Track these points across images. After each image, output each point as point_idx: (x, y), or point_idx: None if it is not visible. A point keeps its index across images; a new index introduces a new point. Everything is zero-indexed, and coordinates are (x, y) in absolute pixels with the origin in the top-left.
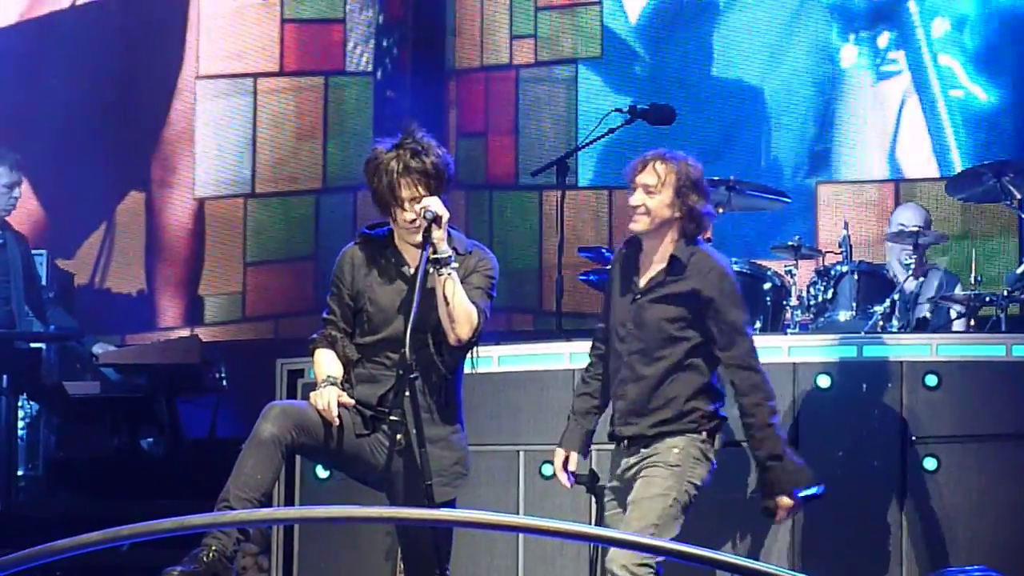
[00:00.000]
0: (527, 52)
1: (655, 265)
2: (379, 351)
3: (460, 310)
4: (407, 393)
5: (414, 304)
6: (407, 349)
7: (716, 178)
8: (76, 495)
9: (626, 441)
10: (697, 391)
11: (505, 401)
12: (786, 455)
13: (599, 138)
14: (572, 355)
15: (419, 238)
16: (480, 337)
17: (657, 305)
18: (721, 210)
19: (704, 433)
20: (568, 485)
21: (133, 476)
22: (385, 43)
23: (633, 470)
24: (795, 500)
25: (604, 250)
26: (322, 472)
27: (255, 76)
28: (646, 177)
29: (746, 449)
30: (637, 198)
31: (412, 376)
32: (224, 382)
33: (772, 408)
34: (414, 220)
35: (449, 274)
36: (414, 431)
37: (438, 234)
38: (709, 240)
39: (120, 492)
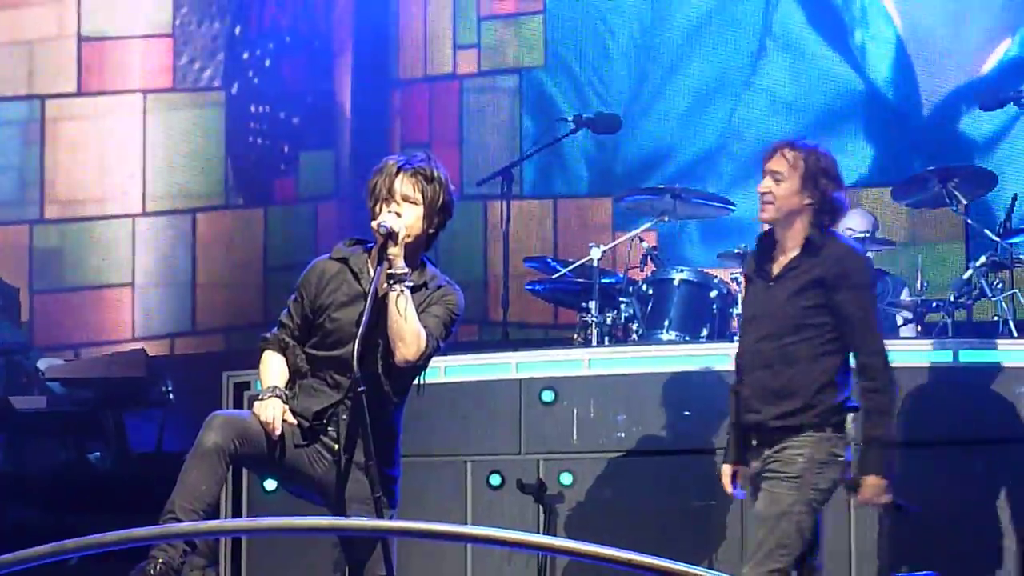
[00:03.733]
0: (470, 62)
1: (789, 252)
2: (327, 368)
3: (409, 329)
4: (353, 407)
5: (364, 316)
6: (355, 360)
7: (661, 186)
8: (24, 509)
9: (753, 436)
10: (826, 382)
11: (452, 411)
12: (888, 448)
13: (544, 147)
14: (519, 365)
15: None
16: (426, 364)
17: (789, 290)
18: (666, 218)
19: (830, 429)
20: (741, 497)
21: (80, 490)
22: (247, 55)
23: (759, 471)
24: (885, 484)
25: (549, 259)
26: (270, 484)
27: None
28: (774, 164)
29: (699, 459)
30: (764, 185)
31: (360, 389)
32: (171, 395)
33: (894, 397)
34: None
35: (401, 291)
36: (360, 444)
37: (394, 250)
38: None
39: (68, 506)
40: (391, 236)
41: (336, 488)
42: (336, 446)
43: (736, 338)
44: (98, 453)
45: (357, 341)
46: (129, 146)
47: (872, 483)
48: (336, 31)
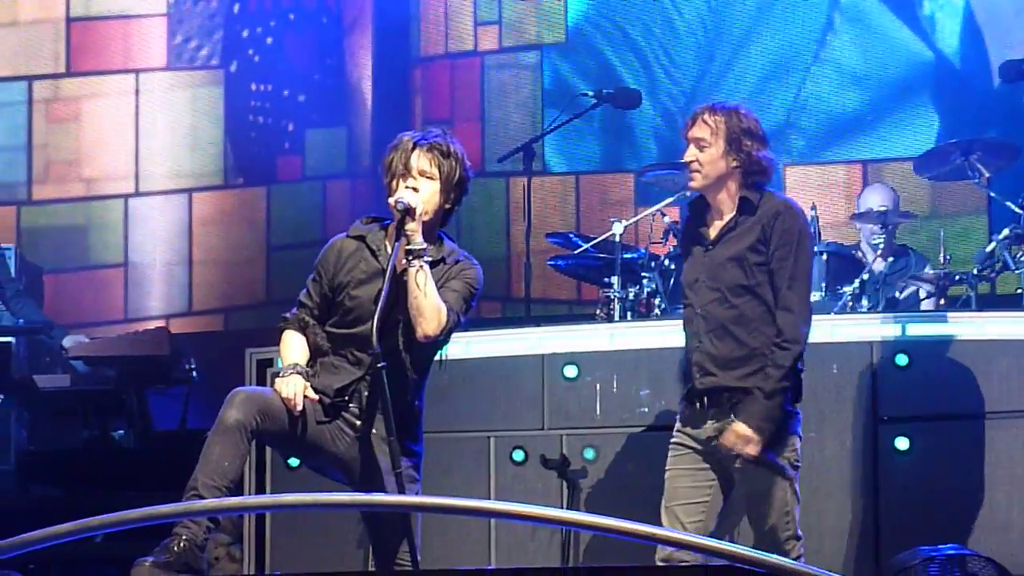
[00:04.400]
0: (491, 38)
1: (725, 215)
2: (347, 345)
3: (429, 304)
4: (373, 382)
5: (383, 292)
6: (374, 336)
7: (680, 161)
8: (48, 488)
9: (705, 399)
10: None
11: (475, 387)
12: (773, 400)
13: (565, 123)
14: (542, 340)
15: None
16: (448, 338)
17: (730, 251)
18: (688, 193)
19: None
20: None
21: (104, 468)
22: (246, 33)
23: (712, 436)
24: (752, 435)
25: (572, 235)
26: (293, 461)
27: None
28: (696, 131)
29: None
30: (690, 153)
31: (380, 364)
32: (194, 373)
33: (793, 354)
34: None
35: (421, 266)
36: (381, 420)
37: (412, 226)
38: None
39: (92, 483)
40: (409, 212)
41: (360, 465)
42: (359, 422)
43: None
44: (122, 431)
45: (376, 317)
46: (122, 127)
47: (739, 430)
48: (347, 8)
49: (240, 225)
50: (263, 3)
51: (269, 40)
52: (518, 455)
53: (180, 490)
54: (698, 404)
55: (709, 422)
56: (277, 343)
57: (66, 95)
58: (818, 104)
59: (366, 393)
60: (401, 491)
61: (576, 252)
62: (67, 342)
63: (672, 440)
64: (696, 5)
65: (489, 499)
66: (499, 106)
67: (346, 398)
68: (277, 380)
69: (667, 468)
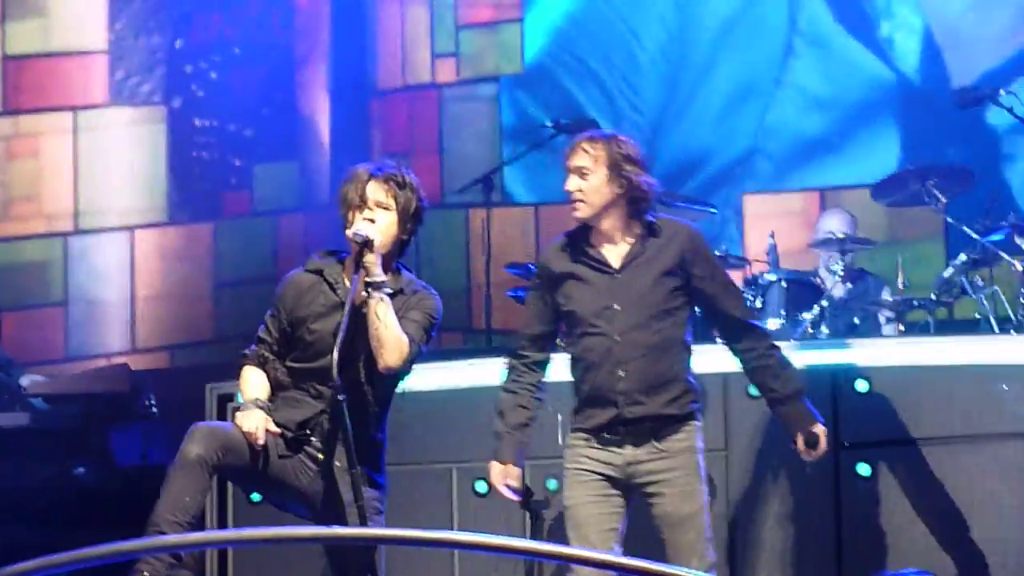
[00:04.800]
0: (449, 71)
1: (623, 241)
2: (308, 379)
3: (391, 335)
4: (334, 415)
5: (343, 325)
6: (334, 369)
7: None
8: (9, 526)
9: (620, 429)
10: (688, 367)
11: (437, 419)
12: (805, 395)
13: (524, 154)
14: (501, 371)
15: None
16: (409, 369)
17: (645, 275)
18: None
19: (699, 417)
20: (516, 498)
21: (66, 505)
22: (190, 68)
23: (643, 466)
24: (824, 429)
25: (531, 266)
26: (255, 495)
27: None
28: (577, 160)
29: None
30: (572, 183)
31: (341, 397)
32: (154, 409)
33: (787, 361)
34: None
35: (381, 298)
36: (342, 452)
37: (370, 258)
38: None
39: (54, 521)
40: (367, 244)
41: (323, 498)
42: (320, 456)
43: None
44: (83, 468)
45: (336, 350)
46: (60, 165)
47: (823, 430)
48: (299, 42)
49: (185, 261)
50: (207, 38)
51: (213, 75)
52: (481, 486)
53: (143, 525)
54: (609, 434)
55: (628, 447)
56: (237, 378)
57: (2, 134)
58: (782, 129)
59: (327, 426)
60: (364, 523)
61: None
62: (24, 381)
63: (571, 467)
64: (656, 35)
65: (452, 530)
66: (457, 138)
67: (308, 432)
68: (237, 415)
69: (570, 495)
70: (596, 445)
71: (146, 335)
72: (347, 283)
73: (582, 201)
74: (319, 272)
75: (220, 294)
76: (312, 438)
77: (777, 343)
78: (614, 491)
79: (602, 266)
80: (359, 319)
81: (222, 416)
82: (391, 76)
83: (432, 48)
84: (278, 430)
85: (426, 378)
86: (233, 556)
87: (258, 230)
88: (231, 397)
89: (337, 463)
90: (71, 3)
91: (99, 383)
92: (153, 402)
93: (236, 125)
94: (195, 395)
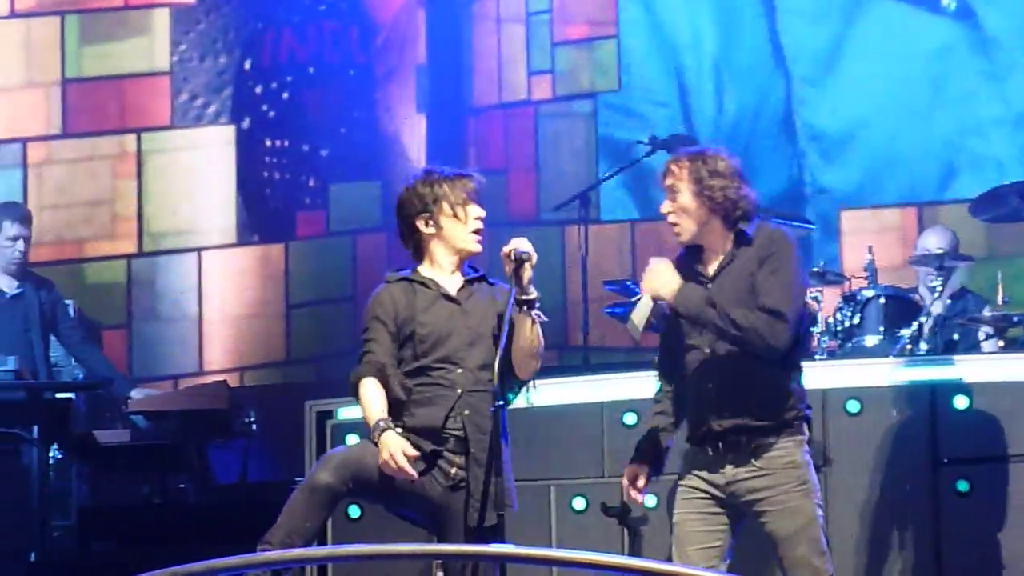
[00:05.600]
0: (545, 88)
1: (719, 253)
2: (436, 370)
3: (536, 349)
4: (490, 423)
5: (503, 339)
6: (495, 377)
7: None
8: (109, 543)
9: (721, 444)
10: (789, 376)
11: (535, 436)
12: (707, 306)
13: (620, 170)
14: (601, 388)
15: (477, 247)
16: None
17: (732, 284)
18: None
19: (805, 428)
20: (640, 500)
21: (165, 522)
22: (260, 89)
23: (744, 484)
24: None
25: (629, 283)
26: (354, 512)
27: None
28: (667, 180)
29: None
30: (665, 205)
31: (500, 404)
32: (253, 426)
33: (739, 322)
34: (478, 225)
35: (534, 318)
36: (489, 461)
37: (528, 274)
38: None
39: (152, 539)
40: (526, 260)
41: (450, 509)
42: (454, 469)
43: (815, 356)
44: (182, 485)
45: (498, 358)
46: (124, 187)
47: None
48: (382, 59)
49: (255, 282)
50: (278, 58)
51: (285, 95)
52: (579, 503)
53: (241, 543)
54: (711, 450)
55: (728, 467)
56: (352, 394)
57: (62, 158)
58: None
59: (467, 412)
60: (501, 533)
61: (633, 299)
62: (136, 394)
63: (681, 483)
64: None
65: (551, 547)
66: (553, 155)
67: (445, 438)
68: (378, 441)
69: (677, 511)
70: (702, 462)
71: (213, 357)
72: (437, 280)
73: (676, 224)
74: (405, 279)
75: (293, 314)
76: (446, 450)
77: (750, 322)
78: (719, 509)
79: (699, 278)
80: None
81: (321, 432)
82: (487, 93)
83: (528, 65)
84: (415, 452)
85: (524, 395)
86: (333, 573)
87: (334, 250)
88: (331, 414)
89: (475, 466)
90: (136, 26)
91: (198, 400)
92: (253, 419)
93: (310, 145)
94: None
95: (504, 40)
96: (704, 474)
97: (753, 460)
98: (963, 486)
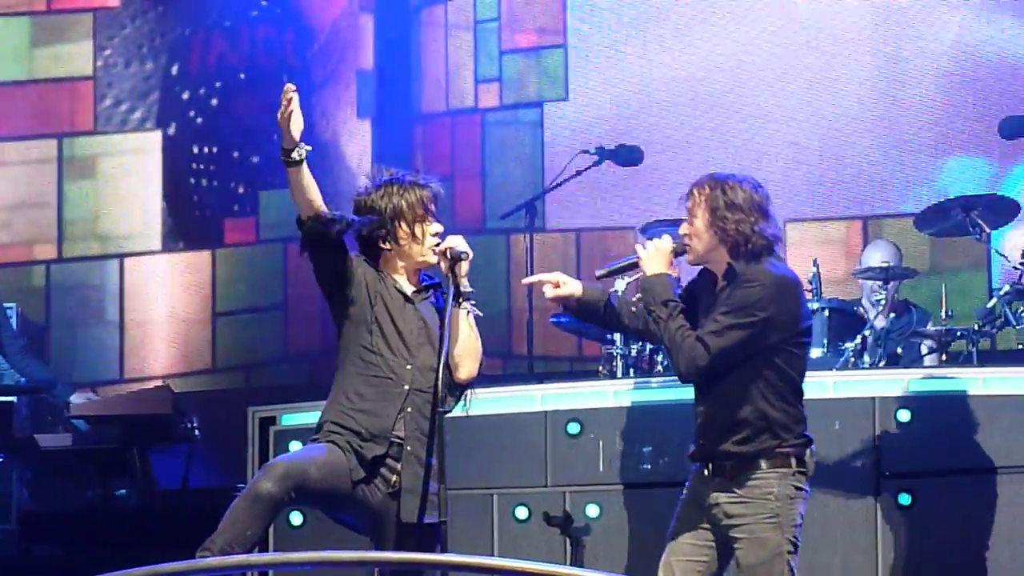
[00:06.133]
0: (492, 96)
1: (720, 283)
2: (383, 369)
3: (474, 346)
4: (431, 422)
5: (445, 337)
6: (439, 381)
7: (684, 217)
8: (50, 547)
9: (711, 465)
10: (768, 403)
11: (478, 444)
12: (654, 297)
13: (567, 180)
14: (544, 397)
15: (435, 259)
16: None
17: (707, 310)
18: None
19: (794, 461)
20: (548, 283)
21: (107, 527)
22: (187, 95)
23: (723, 510)
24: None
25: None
26: (296, 519)
27: None
28: (688, 203)
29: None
30: (683, 226)
31: (443, 410)
32: (196, 432)
33: (664, 330)
34: (435, 241)
35: (469, 311)
36: (428, 461)
37: (465, 270)
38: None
39: (94, 543)
40: (461, 258)
41: (392, 518)
42: (395, 476)
43: None
44: (124, 490)
45: (441, 363)
46: (45, 192)
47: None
48: (318, 65)
49: (180, 289)
50: (206, 64)
51: (214, 101)
52: (521, 512)
53: (183, 548)
54: (704, 470)
55: (712, 492)
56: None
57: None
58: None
59: (409, 410)
60: (443, 542)
61: (629, 257)
62: (75, 399)
63: (681, 498)
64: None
65: (492, 556)
66: (500, 163)
67: (390, 442)
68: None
69: (673, 521)
70: (698, 480)
71: (135, 364)
72: (398, 281)
73: (687, 245)
74: (375, 268)
75: (219, 322)
76: (389, 455)
77: (693, 354)
78: (707, 524)
79: (695, 304)
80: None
81: (264, 439)
82: (434, 100)
83: (476, 73)
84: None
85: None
86: None
87: (264, 258)
88: (273, 420)
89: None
90: (59, 31)
91: (141, 405)
92: (195, 424)
93: (240, 151)
94: (237, 419)
95: (452, 47)
96: (697, 494)
97: (734, 487)
98: (905, 499)
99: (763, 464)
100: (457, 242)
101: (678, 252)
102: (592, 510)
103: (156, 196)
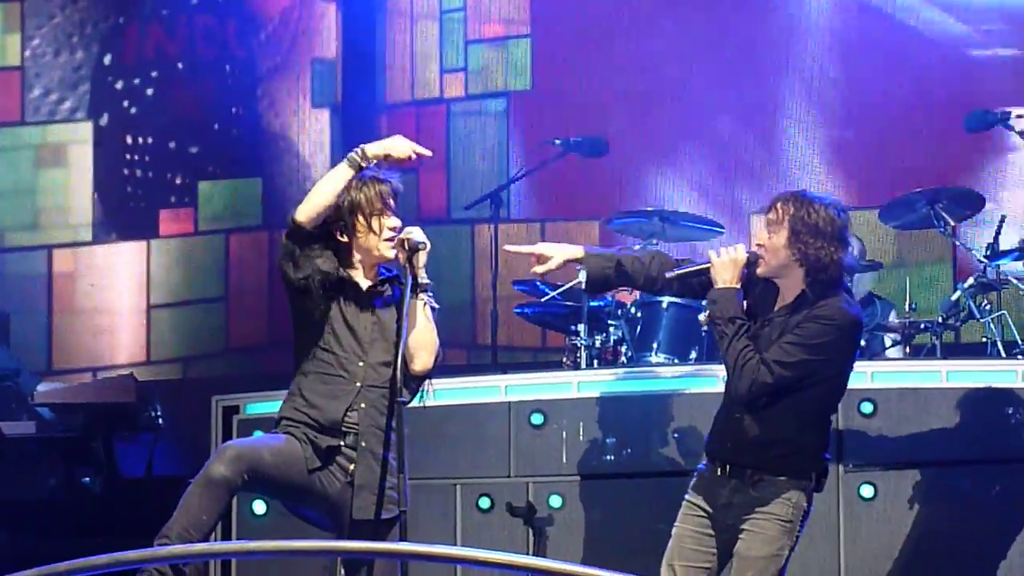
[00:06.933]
0: (458, 86)
1: (787, 298)
2: (340, 357)
3: (430, 338)
4: (388, 416)
5: (403, 326)
6: (397, 373)
7: (650, 208)
8: (14, 534)
9: (729, 468)
10: (806, 430)
11: (441, 434)
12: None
13: (532, 171)
14: (508, 388)
15: (391, 253)
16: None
17: (772, 336)
18: (655, 241)
19: (813, 477)
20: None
21: (71, 515)
22: (120, 84)
23: (735, 510)
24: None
25: (538, 283)
26: (259, 508)
27: None
28: (769, 214)
29: (688, 480)
30: (760, 236)
31: (402, 400)
32: (160, 420)
33: (730, 348)
34: (391, 235)
35: (425, 303)
36: (385, 455)
37: (423, 261)
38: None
39: (58, 531)
40: (419, 248)
41: (349, 506)
42: (352, 465)
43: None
44: (88, 478)
45: (400, 353)
46: None
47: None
48: (267, 54)
49: (111, 280)
50: (143, 54)
51: (150, 91)
52: (484, 503)
53: (146, 536)
54: (719, 469)
55: (728, 491)
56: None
57: None
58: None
59: (363, 406)
60: (403, 532)
61: (543, 299)
62: (42, 387)
63: (687, 499)
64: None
65: (455, 545)
66: (465, 153)
67: (343, 432)
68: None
69: (676, 525)
70: (708, 481)
71: (63, 356)
72: (352, 276)
73: (761, 258)
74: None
75: (154, 314)
76: (344, 446)
77: (756, 377)
78: (710, 531)
79: (762, 311)
80: (388, 319)
81: (227, 427)
82: (399, 90)
83: (441, 62)
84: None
85: (431, 393)
86: (236, 568)
87: (203, 249)
88: (236, 409)
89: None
90: None
91: (105, 393)
92: (159, 413)
93: (177, 142)
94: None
95: (418, 37)
96: (706, 494)
97: (751, 490)
98: (868, 491)
99: (786, 477)
100: (415, 233)
101: (751, 262)
102: (555, 500)
103: (87, 186)
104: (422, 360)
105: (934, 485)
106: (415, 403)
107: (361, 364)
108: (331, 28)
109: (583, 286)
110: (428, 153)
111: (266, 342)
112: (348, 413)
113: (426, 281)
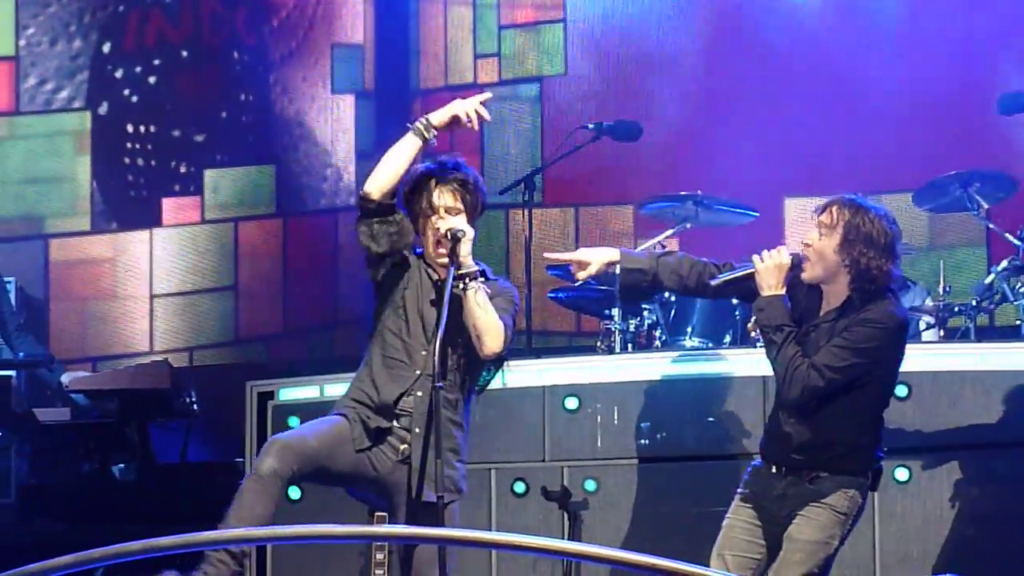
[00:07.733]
0: (491, 71)
1: (832, 303)
2: (400, 352)
3: (492, 322)
4: (430, 404)
5: (442, 318)
6: (435, 359)
7: (684, 192)
8: (49, 521)
9: (784, 468)
10: (862, 431)
11: (476, 419)
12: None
13: (565, 155)
14: (542, 372)
15: (443, 260)
16: (507, 354)
17: (820, 341)
18: (688, 225)
19: (870, 476)
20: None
21: (105, 501)
22: (120, 73)
23: (791, 500)
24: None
25: (571, 267)
26: (294, 494)
27: None
28: (823, 217)
29: (723, 464)
30: (809, 236)
31: (439, 386)
32: (194, 406)
33: (782, 361)
34: (439, 240)
35: (477, 289)
36: (430, 441)
37: (464, 250)
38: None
39: (92, 517)
40: (460, 237)
41: (401, 487)
42: (403, 445)
43: (757, 343)
44: (122, 464)
45: (437, 342)
46: None
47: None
48: (280, 40)
49: (111, 270)
50: (144, 42)
51: (152, 79)
52: (519, 487)
53: (181, 522)
54: (774, 467)
55: (784, 485)
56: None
57: None
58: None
59: (419, 394)
60: (441, 516)
61: (576, 284)
62: (65, 378)
63: (740, 490)
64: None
65: (490, 530)
66: (498, 138)
67: (395, 418)
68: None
69: (728, 516)
70: (763, 477)
71: (62, 346)
72: (431, 267)
73: (808, 259)
74: (419, 256)
75: (157, 304)
76: (396, 426)
77: (807, 382)
78: (759, 523)
79: (809, 315)
80: (452, 309)
81: (262, 413)
82: (433, 76)
83: (474, 48)
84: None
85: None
86: (271, 554)
87: (210, 237)
88: (271, 395)
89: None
90: None
91: (140, 379)
92: (194, 399)
93: (182, 130)
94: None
95: (451, 22)
96: (759, 487)
97: (808, 484)
98: (903, 474)
99: (844, 475)
100: (455, 223)
101: (795, 265)
102: (590, 484)
103: (85, 175)
104: (487, 344)
105: (968, 468)
106: (493, 384)
107: (424, 353)
108: (357, 14)
109: (617, 296)
110: (486, 116)
111: (280, 331)
112: (404, 398)
113: (473, 268)
